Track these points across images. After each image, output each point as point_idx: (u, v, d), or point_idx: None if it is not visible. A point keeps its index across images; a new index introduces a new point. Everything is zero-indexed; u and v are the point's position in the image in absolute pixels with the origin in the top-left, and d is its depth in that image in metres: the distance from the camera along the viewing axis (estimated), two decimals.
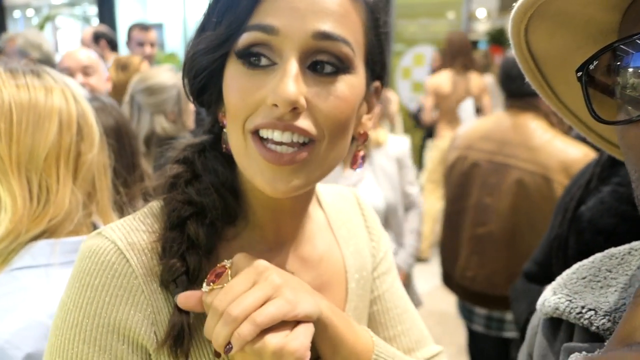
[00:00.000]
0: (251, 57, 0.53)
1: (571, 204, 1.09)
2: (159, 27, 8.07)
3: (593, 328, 0.49)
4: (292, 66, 0.52)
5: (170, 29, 8.46)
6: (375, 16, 0.58)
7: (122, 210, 1.02)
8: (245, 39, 0.53)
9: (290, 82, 0.51)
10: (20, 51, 2.77)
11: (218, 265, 0.55)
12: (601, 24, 0.46)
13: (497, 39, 6.94)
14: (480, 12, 7.54)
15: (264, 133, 0.53)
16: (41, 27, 5.98)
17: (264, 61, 0.53)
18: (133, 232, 0.58)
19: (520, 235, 1.85)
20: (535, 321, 0.59)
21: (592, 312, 0.50)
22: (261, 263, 0.54)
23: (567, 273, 0.58)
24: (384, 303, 0.76)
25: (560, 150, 1.79)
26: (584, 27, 0.47)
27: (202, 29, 0.58)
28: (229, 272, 0.54)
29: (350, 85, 0.55)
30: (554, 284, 0.58)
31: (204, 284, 0.54)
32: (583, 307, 0.51)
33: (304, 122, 0.53)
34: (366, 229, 0.77)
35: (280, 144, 0.53)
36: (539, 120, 1.87)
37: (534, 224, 1.81)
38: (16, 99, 0.83)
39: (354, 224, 0.77)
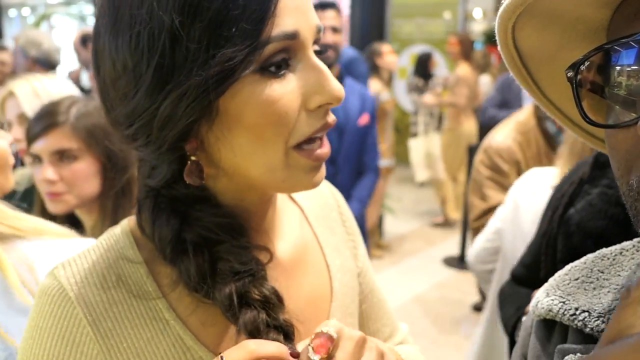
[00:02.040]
0: (272, 67, 0.49)
1: (562, 200, 1.07)
2: None
3: (587, 330, 0.49)
4: (322, 63, 0.52)
5: None
6: None
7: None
8: (269, 50, 0.48)
9: (334, 79, 0.52)
10: (21, 50, 2.78)
11: (322, 331, 0.50)
12: (591, 22, 0.46)
13: (494, 38, 6.92)
14: (477, 12, 7.54)
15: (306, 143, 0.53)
16: (37, 25, 5.96)
17: (282, 67, 0.50)
18: (87, 267, 0.56)
19: None
20: (529, 322, 0.59)
21: (586, 314, 0.50)
22: (359, 334, 0.51)
23: (559, 274, 0.58)
24: (372, 298, 0.77)
25: (491, 133, 1.89)
26: (573, 24, 0.47)
27: (171, 66, 0.47)
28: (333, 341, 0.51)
29: None
30: (546, 285, 0.58)
31: (311, 351, 0.49)
32: (577, 309, 0.51)
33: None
34: (342, 222, 0.75)
35: (320, 145, 0.54)
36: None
37: None
38: None
39: (331, 219, 0.74)
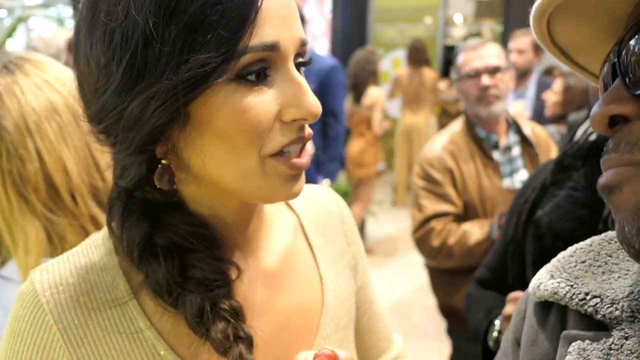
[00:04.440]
0: (249, 75, 0.48)
1: (525, 206, 1.08)
2: None
3: (598, 316, 0.48)
4: (301, 78, 0.51)
5: None
6: None
7: None
8: (245, 60, 0.47)
9: (312, 94, 0.51)
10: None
11: (328, 348, 0.55)
12: (620, 15, 0.45)
13: None
14: (457, 18, 7.63)
15: (284, 148, 0.52)
16: (14, 28, 5.85)
17: (261, 76, 0.49)
18: (63, 272, 0.55)
19: None
20: (522, 306, 0.58)
21: (597, 300, 0.48)
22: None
23: (563, 256, 0.56)
24: (370, 312, 0.76)
25: (426, 145, 1.91)
26: (602, 18, 0.46)
27: (142, 67, 0.46)
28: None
29: None
30: (549, 266, 0.55)
31: None
32: (587, 294, 0.49)
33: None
34: (343, 233, 0.74)
35: (299, 154, 0.53)
36: None
37: None
38: None
39: (332, 228, 0.73)
